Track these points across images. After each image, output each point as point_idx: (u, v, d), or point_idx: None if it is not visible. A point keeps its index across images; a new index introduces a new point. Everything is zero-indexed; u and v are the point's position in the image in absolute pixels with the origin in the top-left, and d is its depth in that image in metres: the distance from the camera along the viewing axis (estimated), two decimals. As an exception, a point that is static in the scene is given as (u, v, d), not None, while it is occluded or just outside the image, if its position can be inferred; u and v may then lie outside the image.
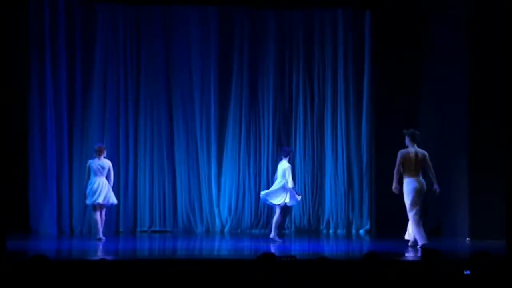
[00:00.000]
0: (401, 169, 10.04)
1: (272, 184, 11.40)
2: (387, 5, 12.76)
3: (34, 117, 12.55)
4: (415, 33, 12.72)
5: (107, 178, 11.28)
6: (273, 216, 11.47)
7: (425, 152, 10.18)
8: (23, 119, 12.48)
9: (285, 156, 11.21)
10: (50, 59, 12.60)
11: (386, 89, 12.82)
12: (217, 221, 13.10)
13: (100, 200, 11.16)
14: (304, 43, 13.28)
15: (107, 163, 11.32)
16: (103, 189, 11.19)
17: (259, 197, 11.80)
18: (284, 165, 11.11)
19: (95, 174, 11.21)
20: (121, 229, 12.82)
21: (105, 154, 11.36)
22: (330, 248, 10.83)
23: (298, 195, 11.19)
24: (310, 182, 13.26)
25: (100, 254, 9.30)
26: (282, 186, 11.02)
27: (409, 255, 9.35)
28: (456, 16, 11.86)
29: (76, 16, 12.78)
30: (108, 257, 8.73)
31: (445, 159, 12.02)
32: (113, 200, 11.32)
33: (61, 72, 12.69)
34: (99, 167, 11.23)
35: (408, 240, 10.14)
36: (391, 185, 10.20)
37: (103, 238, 11.05)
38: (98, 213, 11.25)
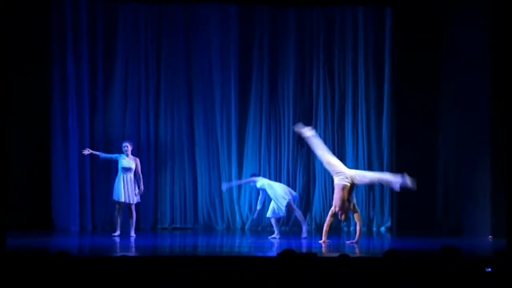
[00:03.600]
0: None
1: (291, 181, 11.40)
2: (408, 2, 12.71)
3: (56, 115, 12.64)
4: (436, 30, 12.66)
5: (135, 176, 11.40)
6: (291, 214, 11.47)
7: None
8: (46, 117, 12.58)
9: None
10: (72, 58, 12.69)
11: (407, 86, 12.77)
12: (238, 218, 13.13)
13: (122, 199, 11.26)
14: (324, 41, 13.25)
15: (133, 161, 11.42)
16: (126, 188, 11.28)
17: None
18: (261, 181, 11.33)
19: (122, 171, 11.33)
20: (142, 226, 12.89)
21: (130, 151, 11.48)
22: (351, 245, 10.80)
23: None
24: (331, 179, 13.23)
25: (121, 251, 9.36)
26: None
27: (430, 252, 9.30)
28: (476, 13, 11.79)
29: (98, 15, 12.87)
30: (129, 254, 8.78)
31: (467, 157, 11.96)
32: (133, 199, 11.40)
33: (83, 70, 12.77)
34: (126, 165, 11.34)
35: None
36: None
37: (118, 233, 11.24)
38: (118, 210, 11.37)
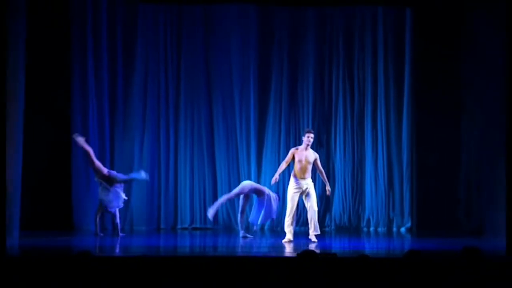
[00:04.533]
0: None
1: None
2: (428, 2, 12.66)
3: (77, 117, 12.71)
4: (456, 30, 12.59)
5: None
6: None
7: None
8: (66, 119, 12.66)
9: None
10: (92, 60, 12.75)
11: (427, 86, 12.71)
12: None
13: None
14: (344, 41, 13.23)
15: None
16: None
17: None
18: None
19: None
20: (162, 226, 12.95)
21: None
22: (370, 246, 10.79)
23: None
24: (351, 180, 13.23)
25: (141, 251, 9.40)
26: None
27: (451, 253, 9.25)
28: (496, 13, 11.70)
29: (117, 16, 12.94)
30: (149, 254, 8.82)
31: (489, 156, 11.88)
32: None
33: (103, 72, 12.85)
34: None
35: None
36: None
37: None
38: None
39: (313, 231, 10.63)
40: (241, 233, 11.29)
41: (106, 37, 12.84)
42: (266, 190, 11.30)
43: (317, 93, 13.27)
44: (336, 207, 13.12)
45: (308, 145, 10.76)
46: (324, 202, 13.07)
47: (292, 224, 10.75)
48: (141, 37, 13.01)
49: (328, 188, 10.90)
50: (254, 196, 11.53)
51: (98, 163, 11.53)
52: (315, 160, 10.78)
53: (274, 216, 11.46)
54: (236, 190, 11.37)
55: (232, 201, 13.07)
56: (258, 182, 13.09)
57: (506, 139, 7.94)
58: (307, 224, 10.91)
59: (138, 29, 13.01)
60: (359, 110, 13.27)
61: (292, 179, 10.80)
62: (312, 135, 10.82)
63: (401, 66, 13.17)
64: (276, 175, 10.84)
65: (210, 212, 11.34)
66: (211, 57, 13.19)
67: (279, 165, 13.11)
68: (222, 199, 11.52)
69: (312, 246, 9.89)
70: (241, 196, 11.37)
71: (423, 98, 12.77)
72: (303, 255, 5.53)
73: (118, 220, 11.60)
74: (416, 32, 12.90)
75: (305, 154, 10.74)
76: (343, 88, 13.26)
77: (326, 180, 10.97)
